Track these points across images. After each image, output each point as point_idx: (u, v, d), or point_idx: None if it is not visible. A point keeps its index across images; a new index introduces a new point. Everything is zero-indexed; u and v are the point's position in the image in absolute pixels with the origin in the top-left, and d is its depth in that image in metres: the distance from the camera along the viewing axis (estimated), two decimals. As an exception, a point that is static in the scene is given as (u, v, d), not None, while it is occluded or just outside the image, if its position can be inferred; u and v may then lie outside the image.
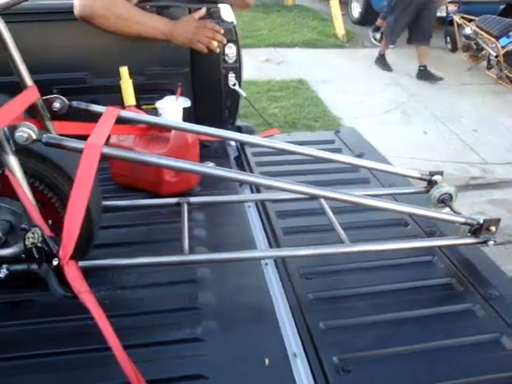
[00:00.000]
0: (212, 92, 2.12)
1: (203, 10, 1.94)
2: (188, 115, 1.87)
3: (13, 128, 0.97)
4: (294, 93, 5.24)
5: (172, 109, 1.86)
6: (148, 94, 2.04)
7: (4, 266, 1.08)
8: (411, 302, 1.20)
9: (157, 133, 1.61)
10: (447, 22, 6.86)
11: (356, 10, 8.37)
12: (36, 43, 1.85)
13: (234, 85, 2.14)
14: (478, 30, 6.20)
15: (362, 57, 6.72)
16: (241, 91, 2.14)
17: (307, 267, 1.32)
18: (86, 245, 1.17)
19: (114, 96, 1.98)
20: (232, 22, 2.05)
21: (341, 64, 6.51)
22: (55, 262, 0.90)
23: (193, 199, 1.44)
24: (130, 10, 1.80)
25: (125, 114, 1.26)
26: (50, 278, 0.90)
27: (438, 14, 7.09)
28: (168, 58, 2.05)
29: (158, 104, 1.89)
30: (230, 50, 2.08)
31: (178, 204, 1.41)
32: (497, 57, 5.95)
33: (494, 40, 5.90)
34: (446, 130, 4.96)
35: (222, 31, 1.95)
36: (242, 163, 1.98)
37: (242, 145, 2.09)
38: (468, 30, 6.38)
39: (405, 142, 4.51)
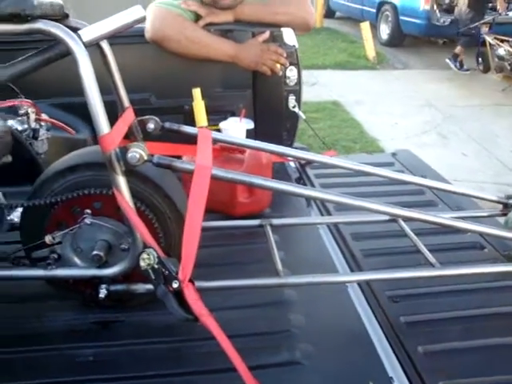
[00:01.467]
0: (273, 114, 2.14)
1: (267, 34, 1.97)
2: (249, 136, 1.90)
3: (124, 149, 0.99)
4: (330, 114, 5.27)
5: (236, 130, 1.88)
6: (210, 115, 2.07)
7: (103, 286, 1.10)
8: (506, 327, 1.18)
9: (231, 153, 1.63)
10: (479, 42, 6.84)
11: (384, 32, 8.43)
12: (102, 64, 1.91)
13: (294, 107, 2.16)
14: (512, 50, 6.19)
15: (394, 78, 6.74)
16: (300, 113, 2.16)
17: (393, 290, 1.31)
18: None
19: (176, 117, 2.03)
20: (294, 46, 2.08)
21: (373, 85, 6.54)
22: (175, 285, 0.91)
23: (276, 221, 1.44)
24: (199, 33, 1.85)
25: (216, 135, 1.28)
26: (170, 300, 0.91)
27: (471, 35, 7.14)
28: (230, 80, 2.09)
29: (222, 125, 1.91)
30: (292, 73, 2.10)
31: (261, 226, 1.41)
32: (533, 77, 5.92)
33: (529, 61, 5.88)
34: (483, 151, 4.92)
35: (285, 54, 1.98)
36: (305, 184, 1.98)
37: (302, 166, 2.10)
38: (502, 51, 6.38)
39: (444, 163, 4.47)
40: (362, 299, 1.30)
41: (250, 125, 1.93)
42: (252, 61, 1.92)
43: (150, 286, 1.14)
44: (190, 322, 0.95)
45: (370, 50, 7.43)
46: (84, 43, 0.95)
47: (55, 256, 1.09)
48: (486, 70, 6.98)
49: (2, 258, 1.11)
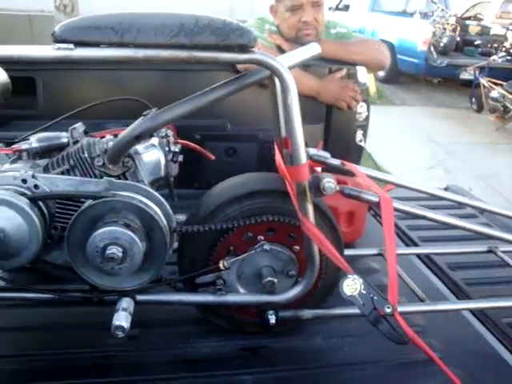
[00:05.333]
0: (342, 147, 2.22)
1: (344, 71, 2.07)
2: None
3: (317, 179, 1.05)
4: (342, 146, 5.41)
5: (315, 162, 1.96)
6: None
7: (271, 312, 1.13)
8: None
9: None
10: (474, 84, 7.18)
11: (381, 69, 8.76)
12: (182, 89, 1.97)
13: (361, 141, 2.26)
14: (506, 93, 6.50)
15: (394, 113, 6.97)
16: (366, 147, 2.26)
17: (509, 317, 1.37)
18: (330, 292, 1.23)
19: (251, 145, 2.10)
20: (365, 83, 2.18)
21: (375, 120, 6.70)
22: (388, 309, 0.95)
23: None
24: None
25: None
26: (385, 324, 0.95)
27: (465, 77, 7.50)
28: (304, 113, 2.17)
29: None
30: (362, 109, 2.20)
31: (379, 254, 1.47)
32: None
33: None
34: (487, 187, 5.12)
35: (359, 91, 2.08)
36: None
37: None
38: (495, 93, 6.70)
39: (455, 198, 4.65)
40: (479, 324, 1.36)
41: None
42: (332, 96, 2.01)
43: (318, 312, 1.19)
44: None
45: (372, 85, 7.68)
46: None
47: (222, 282, 1.12)
48: (479, 109, 7.31)
49: (156, 281, 1.13)
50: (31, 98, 1.90)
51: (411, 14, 8.91)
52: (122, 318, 1.00)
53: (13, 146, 1.14)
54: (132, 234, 0.96)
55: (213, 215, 1.12)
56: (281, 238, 1.14)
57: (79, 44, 0.92)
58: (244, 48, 0.96)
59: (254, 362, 1.19)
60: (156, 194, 1.05)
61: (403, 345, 0.98)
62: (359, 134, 2.24)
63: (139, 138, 1.01)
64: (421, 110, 6.91)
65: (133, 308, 1.05)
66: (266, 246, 1.11)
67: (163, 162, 1.10)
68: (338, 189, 1.07)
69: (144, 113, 1.15)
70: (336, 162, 1.38)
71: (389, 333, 0.96)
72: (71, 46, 0.91)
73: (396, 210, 1.11)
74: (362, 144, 2.26)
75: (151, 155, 1.08)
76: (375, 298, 0.97)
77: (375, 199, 1.09)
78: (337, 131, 2.21)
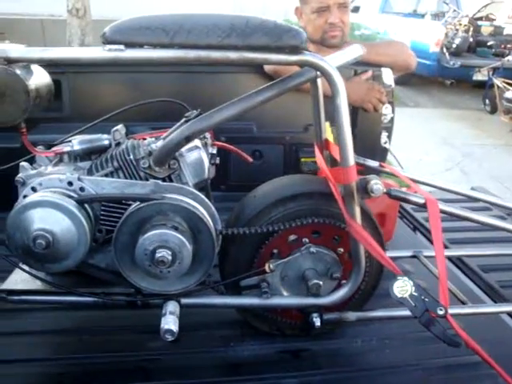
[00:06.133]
0: (367, 149, 2.21)
1: (370, 73, 2.06)
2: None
3: (365, 180, 1.04)
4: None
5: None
6: (308, 147, 2.13)
7: (316, 314, 1.12)
8: None
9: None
10: (488, 85, 7.13)
11: (392, 71, 8.73)
12: (209, 91, 1.96)
13: (385, 143, 2.24)
14: (521, 94, 6.45)
15: (408, 116, 6.93)
16: (390, 149, 2.24)
17: None
18: (371, 294, 1.22)
19: (276, 147, 2.09)
20: (391, 85, 2.17)
21: (389, 122, 6.71)
22: (441, 311, 0.94)
23: (427, 252, 1.48)
24: None
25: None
26: (438, 326, 0.94)
27: (479, 78, 7.46)
28: (329, 115, 2.16)
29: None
30: (387, 111, 2.19)
31: (414, 256, 1.46)
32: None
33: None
34: (504, 189, 5.08)
35: (385, 93, 2.07)
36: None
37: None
38: (510, 94, 6.64)
39: (473, 199, 4.62)
40: None
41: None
42: (359, 98, 2.00)
43: (361, 314, 1.18)
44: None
45: (383, 87, 7.66)
46: None
47: (266, 284, 1.11)
48: (493, 110, 7.25)
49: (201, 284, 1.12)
50: (57, 101, 1.91)
51: (422, 15, 8.85)
52: (170, 322, 0.99)
53: (54, 149, 1.13)
54: (182, 237, 0.95)
55: (258, 218, 1.11)
56: (325, 241, 1.13)
57: (129, 45, 0.92)
58: (296, 49, 0.95)
59: (297, 364, 1.18)
60: (202, 196, 1.04)
61: (456, 347, 0.96)
62: (384, 135, 2.23)
63: (189, 139, 1.01)
64: (434, 111, 6.87)
65: (179, 311, 1.04)
66: (312, 249, 1.10)
67: (207, 163, 1.09)
68: (385, 190, 1.05)
69: (186, 114, 1.14)
70: (374, 163, 1.37)
71: (443, 335, 0.95)
72: (122, 47, 0.91)
73: (441, 211, 1.10)
74: (386, 146, 2.25)
75: (195, 157, 1.07)
76: (426, 299, 0.96)
77: (421, 201, 1.07)
78: (362, 133, 2.20)
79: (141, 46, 0.93)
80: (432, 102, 7.73)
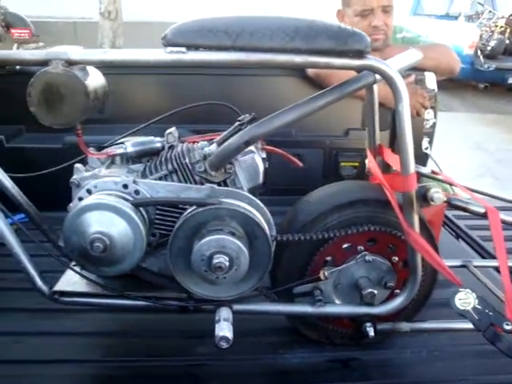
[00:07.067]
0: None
1: (413, 77, 2.02)
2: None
3: (424, 188, 1.01)
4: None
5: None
6: (347, 152, 2.10)
7: (369, 324, 1.10)
8: None
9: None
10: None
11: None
12: (250, 95, 1.95)
13: (426, 148, 2.20)
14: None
15: (440, 120, 6.81)
16: (431, 155, 2.19)
17: None
18: (423, 304, 1.18)
19: (316, 151, 2.07)
20: (434, 90, 2.12)
21: (421, 126, 6.61)
22: (508, 326, 0.91)
23: (476, 262, 1.44)
24: None
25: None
26: (503, 342, 0.91)
27: (512, 82, 7.28)
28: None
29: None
30: (429, 116, 2.15)
31: (463, 266, 1.42)
32: None
33: None
34: (541, 196, 4.94)
35: (428, 97, 2.02)
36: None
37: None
38: (546, 99, 6.48)
39: (508, 206, 4.50)
40: None
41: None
42: None
43: (415, 325, 1.15)
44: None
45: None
46: None
47: (319, 292, 1.09)
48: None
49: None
50: None
51: (455, 17, 8.69)
52: (225, 329, 0.98)
53: (107, 151, 1.13)
54: (239, 243, 0.94)
55: (313, 224, 1.09)
56: (380, 249, 1.10)
57: (191, 47, 0.91)
58: (360, 53, 0.93)
59: (347, 374, 1.16)
60: (257, 201, 1.02)
61: None
62: (425, 141, 2.19)
63: (248, 144, 0.99)
64: (467, 116, 6.74)
65: (232, 318, 1.03)
66: (368, 257, 1.07)
67: (261, 168, 1.07)
68: (445, 199, 1.03)
69: (239, 118, 1.13)
70: (426, 170, 1.34)
71: (509, 350, 0.91)
72: (183, 49, 0.90)
73: (503, 222, 1.07)
74: (427, 152, 2.21)
75: (251, 161, 1.05)
76: (491, 313, 0.92)
77: (481, 210, 1.04)
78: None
79: (202, 48, 0.92)
80: (465, 106, 7.57)
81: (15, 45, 3.34)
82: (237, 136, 1.00)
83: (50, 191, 1.35)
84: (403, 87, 0.97)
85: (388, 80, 0.96)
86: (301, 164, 1.37)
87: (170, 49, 0.91)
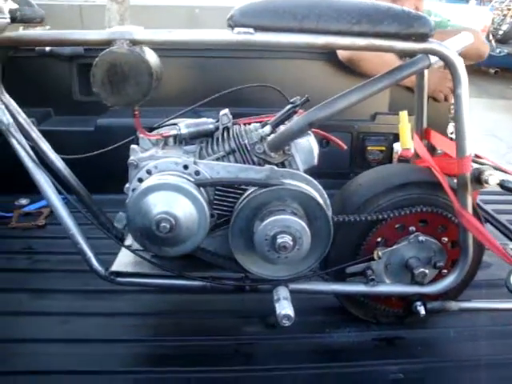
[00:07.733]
0: (434, 140, 2.18)
1: (441, 62, 2.01)
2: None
3: (477, 171, 1.03)
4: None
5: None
6: (374, 136, 2.11)
7: (419, 303, 1.12)
8: None
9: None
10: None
11: (434, 59, 8.55)
12: (280, 78, 1.95)
13: (452, 133, 2.20)
14: None
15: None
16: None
17: None
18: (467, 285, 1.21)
19: (344, 136, 2.06)
20: (462, 75, 2.11)
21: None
22: None
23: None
24: (392, 57, 1.89)
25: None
26: None
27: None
28: (397, 105, 2.13)
29: (397, 146, 1.94)
30: (456, 102, 2.14)
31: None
32: None
33: None
34: (553, 182, 4.94)
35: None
36: None
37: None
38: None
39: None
40: None
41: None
42: (430, 87, 1.95)
43: (463, 304, 1.17)
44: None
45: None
46: None
47: (371, 272, 1.11)
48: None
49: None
50: None
51: (466, 0, 8.60)
52: (286, 307, 1.00)
53: (161, 132, 1.14)
54: (303, 223, 0.95)
55: (365, 205, 1.11)
56: (431, 229, 1.12)
57: (258, 28, 0.92)
58: (424, 37, 0.94)
59: (394, 352, 1.18)
60: (315, 182, 1.04)
61: None
62: (451, 126, 2.19)
63: (312, 126, 1.01)
64: (478, 101, 6.69)
65: (290, 297, 1.05)
66: (421, 237, 1.10)
67: (316, 150, 1.09)
68: (498, 182, 1.04)
69: (291, 100, 1.13)
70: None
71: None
72: (251, 30, 0.91)
73: None
74: (452, 137, 2.21)
75: (307, 143, 1.07)
76: None
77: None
78: (430, 123, 2.17)
79: (269, 29, 0.92)
80: (476, 91, 7.52)
81: (21, 27, 3.32)
82: (300, 118, 1.02)
83: (85, 174, 1.34)
84: (463, 71, 0.98)
85: (449, 63, 0.97)
86: (345, 147, 1.38)
87: (237, 29, 0.91)
